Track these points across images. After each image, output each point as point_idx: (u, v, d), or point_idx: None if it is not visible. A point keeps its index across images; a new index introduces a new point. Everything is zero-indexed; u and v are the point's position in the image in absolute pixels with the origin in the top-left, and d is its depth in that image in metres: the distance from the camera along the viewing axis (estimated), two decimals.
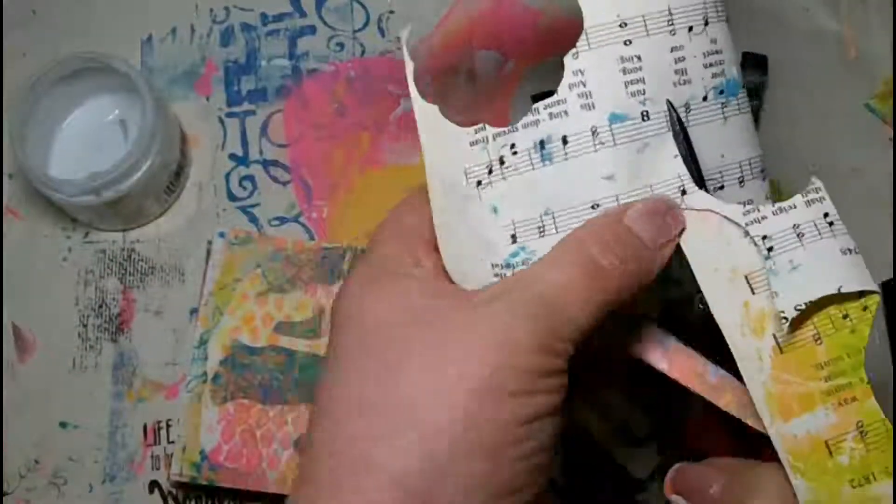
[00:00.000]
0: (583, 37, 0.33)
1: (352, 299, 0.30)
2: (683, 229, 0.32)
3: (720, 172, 0.34)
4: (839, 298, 0.31)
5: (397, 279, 0.31)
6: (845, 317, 0.31)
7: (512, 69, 0.54)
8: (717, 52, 0.35)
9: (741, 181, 0.34)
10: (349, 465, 0.27)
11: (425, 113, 0.35)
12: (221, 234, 0.54)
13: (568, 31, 0.34)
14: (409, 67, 0.36)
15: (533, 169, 0.33)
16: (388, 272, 0.31)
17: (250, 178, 0.56)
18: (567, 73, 0.33)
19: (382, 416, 0.27)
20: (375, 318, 0.29)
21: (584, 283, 0.29)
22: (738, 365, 0.32)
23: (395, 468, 0.27)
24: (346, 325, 0.30)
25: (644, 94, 0.33)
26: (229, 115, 0.57)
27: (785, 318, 0.30)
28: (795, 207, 0.32)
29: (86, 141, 0.55)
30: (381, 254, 0.33)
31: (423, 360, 0.28)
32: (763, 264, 0.31)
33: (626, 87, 0.33)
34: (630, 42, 0.33)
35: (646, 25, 0.33)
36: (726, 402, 0.33)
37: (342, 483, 0.27)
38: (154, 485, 0.51)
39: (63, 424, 0.52)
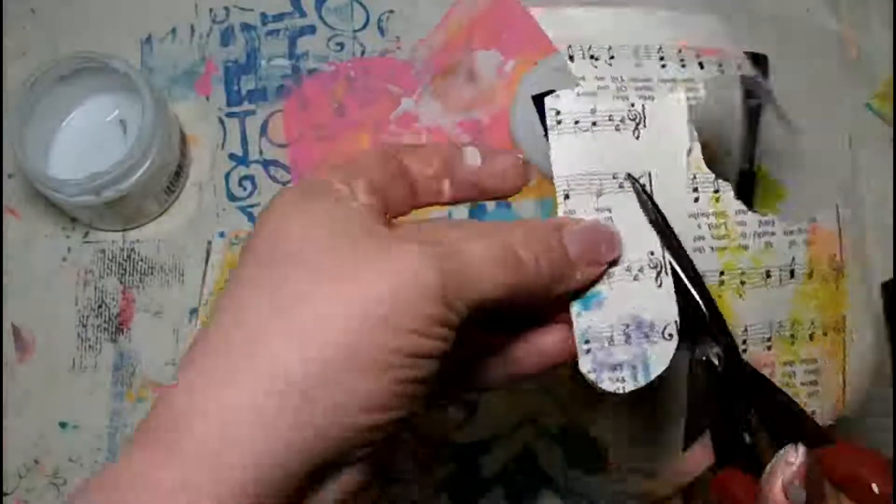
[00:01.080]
0: None
1: (283, 216, 0.32)
2: (616, 260, 0.35)
3: None
4: None
5: (329, 205, 0.32)
6: None
7: (512, 69, 0.54)
8: None
9: None
10: (236, 351, 0.29)
11: None
12: (221, 234, 0.54)
13: None
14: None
15: None
16: (322, 197, 0.32)
17: (250, 177, 0.56)
18: None
19: (284, 317, 0.29)
20: (301, 235, 0.31)
21: (498, 263, 0.31)
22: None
23: (280, 362, 0.29)
24: (271, 239, 0.32)
25: None
26: (229, 114, 0.57)
27: None
28: None
29: (85, 141, 0.55)
30: (321, 179, 0.34)
31: (335, 277, 0.30)
32: None
33: None
34: None
35: None
36: None
37: (230, 367, 0.29)
38: None
39: (63, 424, 0.52)
